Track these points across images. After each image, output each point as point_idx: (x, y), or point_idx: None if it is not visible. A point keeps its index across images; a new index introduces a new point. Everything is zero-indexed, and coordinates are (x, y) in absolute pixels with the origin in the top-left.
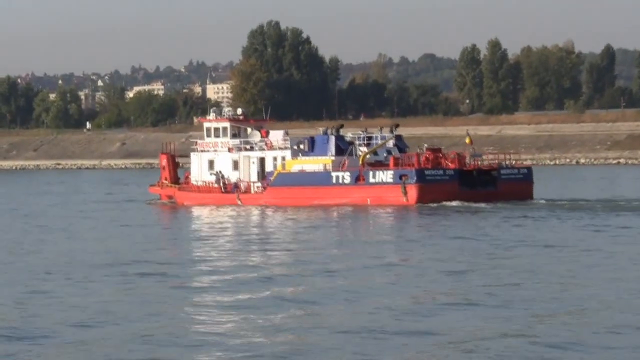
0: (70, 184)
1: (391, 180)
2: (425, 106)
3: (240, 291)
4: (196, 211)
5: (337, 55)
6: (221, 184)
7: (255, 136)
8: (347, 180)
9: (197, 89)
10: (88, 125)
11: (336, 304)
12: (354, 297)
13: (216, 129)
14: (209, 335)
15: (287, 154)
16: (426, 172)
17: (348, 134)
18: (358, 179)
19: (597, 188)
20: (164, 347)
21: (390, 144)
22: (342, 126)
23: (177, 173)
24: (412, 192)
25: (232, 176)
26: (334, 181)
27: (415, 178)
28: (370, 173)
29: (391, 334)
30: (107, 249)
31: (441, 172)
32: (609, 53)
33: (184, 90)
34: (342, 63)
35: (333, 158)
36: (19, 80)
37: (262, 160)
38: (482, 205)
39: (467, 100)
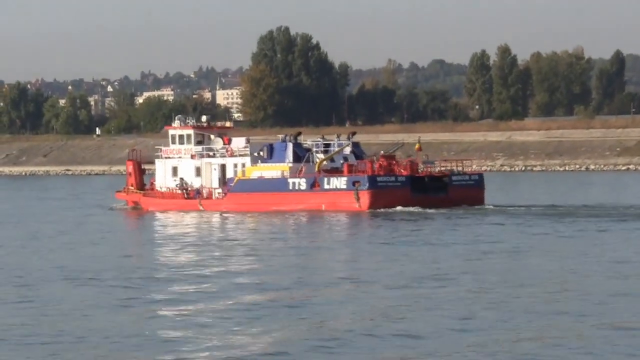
0: (63, 190)
1: (344, 187)
2: (435, 112)
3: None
4: (152, 217)
5: (346, 61)
6: (184, 190)
7: (218, 143)
8: (303, 186)
9: (207, 95)
10: (98, 131)
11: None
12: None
13: (180, 136)
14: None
15: (247, 160)
16: (378, 179)
17: (308, 141)
18: (313, 185)
19: (563, 194)
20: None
21: (348, 151)
22: (299, 134)
23: (143, 179)
24: (365, 198)
25: (195, 182)
26: (290, 187)
27: (367, 184)
28: (325, 179)
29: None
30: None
31: (393, 178)
32: (619, 59)
33: (194, 96)
34: (352, 69)
35: (290, 165)
36: (29, 86)
37: (223, 167)
38: (433, 210)
39: (477, 106)
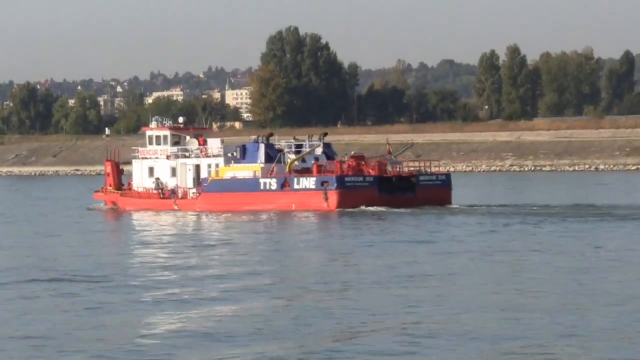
0: (60, 189)
1: (313, 187)
2: (444, 112)
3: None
4: (126, 217)
5: (355, 61)
6: (159, 190)
7: (193, 144)
8: (274, 186)
9: (216, 95)
10: (107, 131)
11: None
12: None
13: (157, 137)
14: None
15: (221, 161)
16: (346, 179)
17: (281, 141)
18: (284, 185)
19: (537, 193)
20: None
21: (319, 151)
22: (271, 135)
23: (121, 179)
24: (333, 197)
25: (171, 182)
26: (261, 187)
27: (335, 184)
28: (295, 180)
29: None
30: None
31: (361, 178)
32: (628, 59)
33: (203, 96)
34: (361, 69)
35: (262, 165)
36: (38, 86)
37: (197, 167)
38: (401, 210)
39: (486, 106)
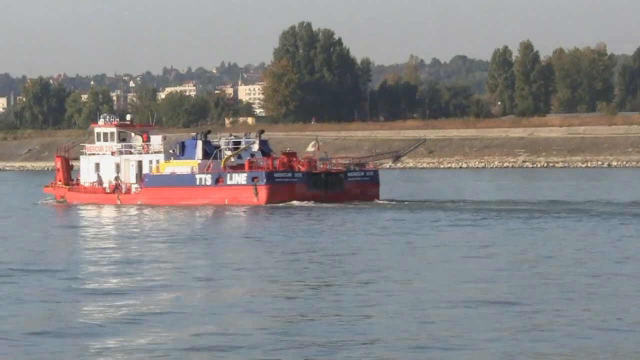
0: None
1: (245, 182)
2: (457, 108)
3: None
4: (74, 211)
5: (368, 56)
6: (105, 185)
7: (137, 141)
8: (209, 182)
9: (229, 90)
10: None
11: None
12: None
13: (105, 134)
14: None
15: (161, 157)
16: (276, 174)
17: (222, 139)
18: (218, 180)
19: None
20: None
21: (256, 148)
22: (209, 132)
23: (70, 174)
24: (263, 192)
25: (115, 178)
26: (197, 183)
27: (265, 180)
28: (228, 175)
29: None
30: None
31: (290, 174)
32: None
33: (216, 92)
34: (374, 64)
35: (200, 161)
36: (51, 81)
37: (140, 163)
38: (330, 205)
39: (499, 102)
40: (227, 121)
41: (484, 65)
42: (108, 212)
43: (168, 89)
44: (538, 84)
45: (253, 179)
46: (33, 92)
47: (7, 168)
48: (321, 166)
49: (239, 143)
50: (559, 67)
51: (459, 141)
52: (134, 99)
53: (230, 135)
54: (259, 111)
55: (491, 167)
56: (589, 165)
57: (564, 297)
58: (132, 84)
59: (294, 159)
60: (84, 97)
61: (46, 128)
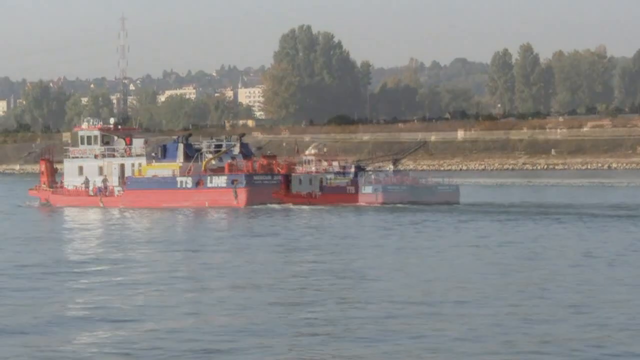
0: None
1: (224, 185)
2: (457, 110)
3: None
4: (56, 213)
5: (368, 59)
6: (87, 188)
7: (120, 144)
8: (189, 184)
9: (229, 93)
10: None
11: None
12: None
13: (88, 137)
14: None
15: (143, 160)
16: (255, 177)
17: (204, 142)
18: (198, 183)
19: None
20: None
21: (237, 151)
22: (190, 135)
23: (55, 177)
24: (242, 195)
25: (98, 180)
26: (178, 185)
27: (244, 182)
28: (209, 178)
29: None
30: None
31: (269, 177)
32: None
33: (216, 95)
34: (374, 67)
35: (181, 164)
36: (51, 84)
37: (122, 166)
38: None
39: (499, 105)
40: (227, 124)
41: (484, 67)
42: (88, 215)
43: (168, 92)
44: (538, 87)
45: (233, 181)
46: (33, 95)
47: (7, 171)
48: (300, 169)
49: (220, 146)
50: (559, 70)
51: (459, 143)
52: (134, 102)
53: (212, 138)
54: (259, 114)
55: (491, 170)
56: (588, 167)
57: None
58: (132, 87)
59: (274, 161)
60: (84, 100)
61: (46, 131)
